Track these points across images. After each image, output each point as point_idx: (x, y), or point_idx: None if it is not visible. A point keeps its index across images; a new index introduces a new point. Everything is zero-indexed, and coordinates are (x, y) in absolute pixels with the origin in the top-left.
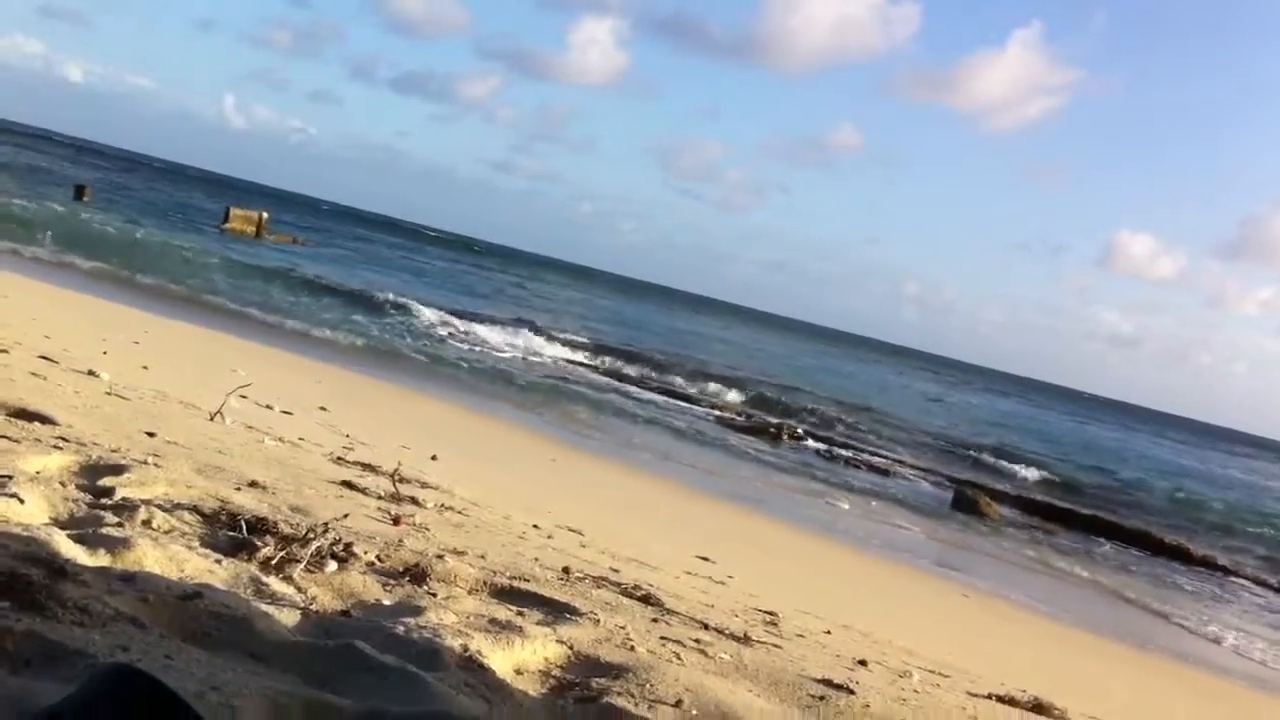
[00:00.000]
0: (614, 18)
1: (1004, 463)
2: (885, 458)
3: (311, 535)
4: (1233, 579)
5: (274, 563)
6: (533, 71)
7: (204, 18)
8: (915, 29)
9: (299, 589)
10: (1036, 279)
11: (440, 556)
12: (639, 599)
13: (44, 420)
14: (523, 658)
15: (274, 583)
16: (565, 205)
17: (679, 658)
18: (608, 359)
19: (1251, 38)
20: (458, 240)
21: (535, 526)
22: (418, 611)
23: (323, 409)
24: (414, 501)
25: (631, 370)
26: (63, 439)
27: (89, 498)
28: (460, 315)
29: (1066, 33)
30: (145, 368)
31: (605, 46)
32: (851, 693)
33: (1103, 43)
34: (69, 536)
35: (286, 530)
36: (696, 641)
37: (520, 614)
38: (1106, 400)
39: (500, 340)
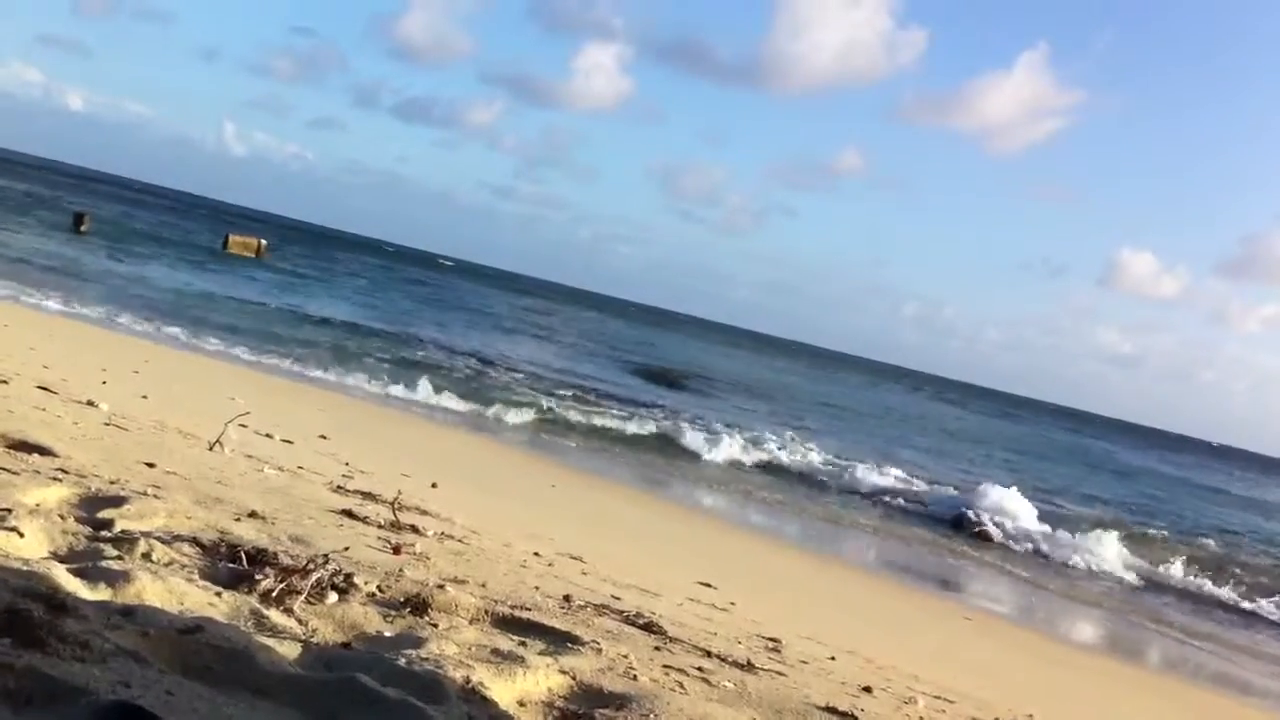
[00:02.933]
0: (619, 44)
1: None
2: (885, 476)
3: (312, 566)
4: (1236, 598)
5: (274, 595)
6: (536, 98)
7: (206, 46)
8: (921, 53)
9: (300, 621)
10: (1039, 298)
11: (441, 586)
12: (641, 627)
13: (43, 452)
14: (525, 688)
15: (274, 615)
16: (566, 229)
17: (682, 687)
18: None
19: (1255, 55)
20: (459, 265)
21: (536, 554)
22: (419, 643)
23: (323, 437)
24: (414, 530)
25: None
26: (62, 471)
27: (88, 530)
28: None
29: (1072, 54)
30: (145, 397)
31: (609, 72)
32: None
33: (1108, 63)
34: (69, 570)
35: (287, 561)
36: (699, 670)
37: (522, 644)
38: (1110, 420)
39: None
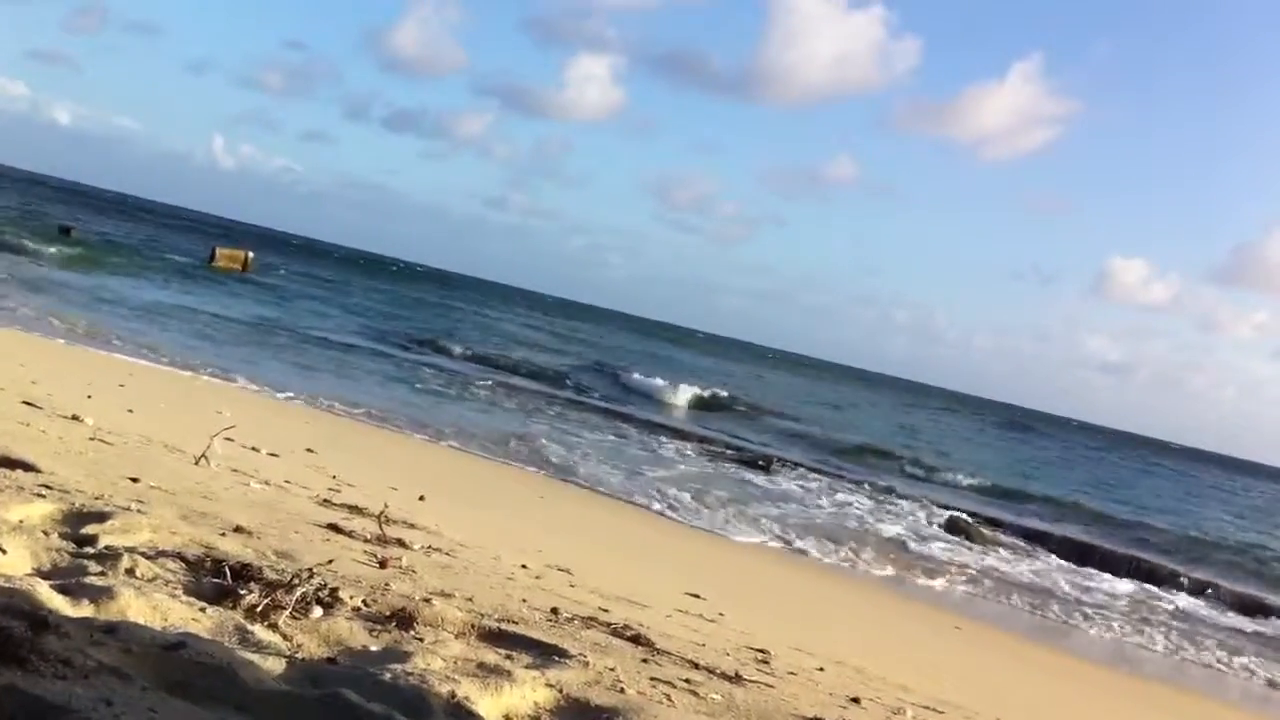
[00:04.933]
0: (612, 54)
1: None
2: (875, 486)
3: (297, 581)
4: (1224, 602)
5: (259, 610)
6: (528, 108)
7: (196, 60)
8: (915, 63)
9: (284, 636)
10: (1030, 307)
11: (428, 600)
12: (629, 639)
13: (27, 468)
14: (511, 703)
15: (259, 630)
16: (557, 240)
17: (669, 699)
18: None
19: (1249, 66)
20: (451, 278)
21: (524, 566)
22: (405, 657)
23: (310, 450)
24: (401, 543)
25: None
26: (46, 487)
27: (72, 546)
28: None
29: (1066, 64)
30: (130, 411)
31: (602, 83)
32: None
33: (1102, 73)
34: (52, 587)
35: (272, 576)
36: (687, 682)
37: (509, 657)
38: (1100, 428)
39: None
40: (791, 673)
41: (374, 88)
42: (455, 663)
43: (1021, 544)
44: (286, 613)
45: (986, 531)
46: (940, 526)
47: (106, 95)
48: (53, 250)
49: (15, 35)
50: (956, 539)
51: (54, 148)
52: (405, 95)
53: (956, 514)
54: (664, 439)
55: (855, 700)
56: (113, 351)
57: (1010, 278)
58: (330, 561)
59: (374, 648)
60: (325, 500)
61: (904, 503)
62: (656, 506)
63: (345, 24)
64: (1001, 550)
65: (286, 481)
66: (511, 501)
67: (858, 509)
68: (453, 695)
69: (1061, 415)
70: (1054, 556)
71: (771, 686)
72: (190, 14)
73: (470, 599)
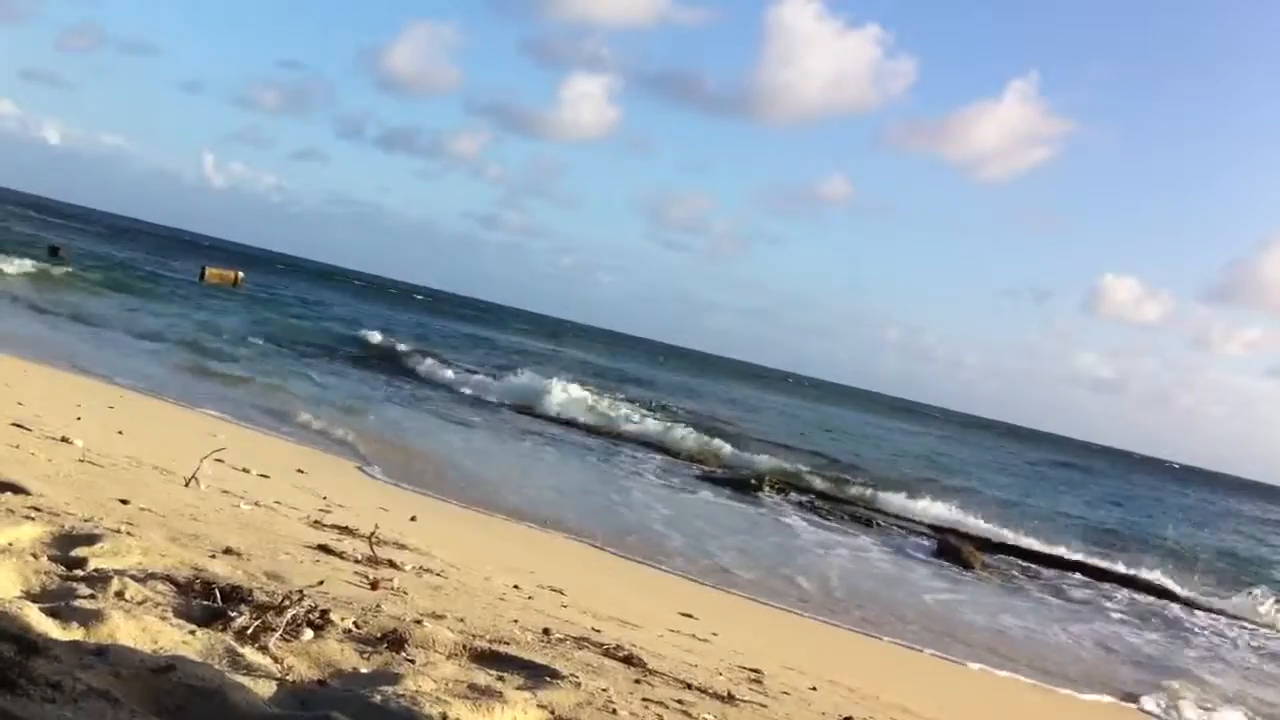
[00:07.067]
0: (607, 74)
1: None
2: (867, 508)
3: (287, 603)
4: (1232, 622)
5: (249, 632)
6: (523, 127)
7: (191, 79)
8: (911, 82)
9: (274, 659)
10: (1023, 325)
11: (419, 621)
12: (621, 660)
13: (15, 490)
14: None
15: (249, 653)
16: (548, 258)
17: None
18: None
19: (1243, 85)
20: (442, 297)
21: (516, 587)
22: (395, 679)
23: (300, 471)
24: (392, 564)
25: None
26: (35, 509)
27: (61, 569)
28: None
29: (1061, 84)
30: (120, 433)
31: (597, 102)
32: None
33: (1097, 92)
34: (41, 610)
35: (262, 598)
36: (679, 702)
37: (500, 678)
38: (1097, 447)
39: None
40: (785, 692)
41: (368, 106)
42: (446, 684)
43: (1015, 564)
44: (277, 635)
45: (979, 554)
46: (929, 552)
47: (100, 115)
48: (40, 270)
49: (9, 55)
50: (947, 562)
51: (43, 167)
52: (399, 114)
53: (947, 537)
54: (655, 461)
55: None
56: (101, 371)
57: (1004, 295)
58: (321, 583)
59: (365, 670)
60: (316, 521)
61: (892, 524)
62: (643, 547)
63: (341, 43)
64: (997, 572)
65: (277, 503)
66: (504, 522)
67: (852, 531)
68: (444, 717)
69: (1053, 432)
70: (1051, 574)
71: (764, 706)
72: (185, 33)
73: (462, 620)
